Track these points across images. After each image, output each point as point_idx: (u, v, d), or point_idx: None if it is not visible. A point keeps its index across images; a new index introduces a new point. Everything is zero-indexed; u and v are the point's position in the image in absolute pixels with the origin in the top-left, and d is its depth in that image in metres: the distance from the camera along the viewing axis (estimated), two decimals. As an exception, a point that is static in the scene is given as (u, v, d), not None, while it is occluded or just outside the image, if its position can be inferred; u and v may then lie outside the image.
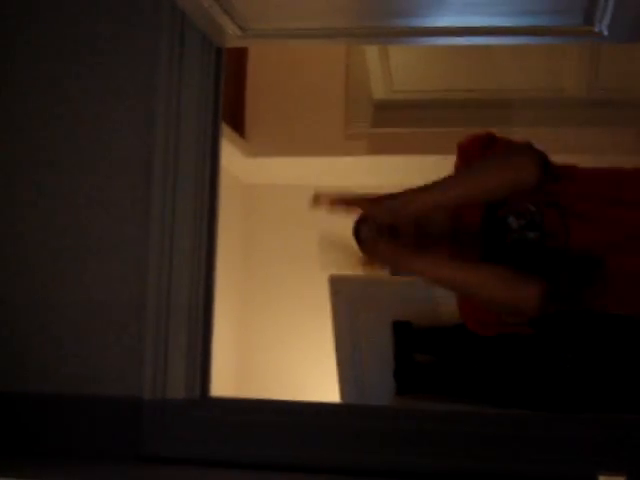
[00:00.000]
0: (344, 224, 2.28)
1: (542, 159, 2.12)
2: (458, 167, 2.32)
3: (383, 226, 2.20)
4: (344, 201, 2.18)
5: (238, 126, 3.85)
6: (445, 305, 3.65)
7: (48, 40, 2.44)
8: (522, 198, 2.21)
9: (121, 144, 2.38)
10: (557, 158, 2.21)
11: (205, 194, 2.34)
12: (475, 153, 2.28)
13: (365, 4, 2.07)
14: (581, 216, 2.18)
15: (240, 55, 3.90)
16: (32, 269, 2.38)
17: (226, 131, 3.39)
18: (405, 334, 3.63)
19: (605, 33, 2.04)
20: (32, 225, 2.39)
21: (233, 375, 4.58)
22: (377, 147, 4.22)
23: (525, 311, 2.13)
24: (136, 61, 2.39)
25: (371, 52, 4.20)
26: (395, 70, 4.29)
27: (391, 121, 4.33)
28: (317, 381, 4.39)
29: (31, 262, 2.39)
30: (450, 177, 2.21)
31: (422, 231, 2.21)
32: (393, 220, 2.18)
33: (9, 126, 2.44)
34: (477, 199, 2.23)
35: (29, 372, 2.36)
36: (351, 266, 2.27)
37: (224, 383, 4.15)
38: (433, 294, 3.62)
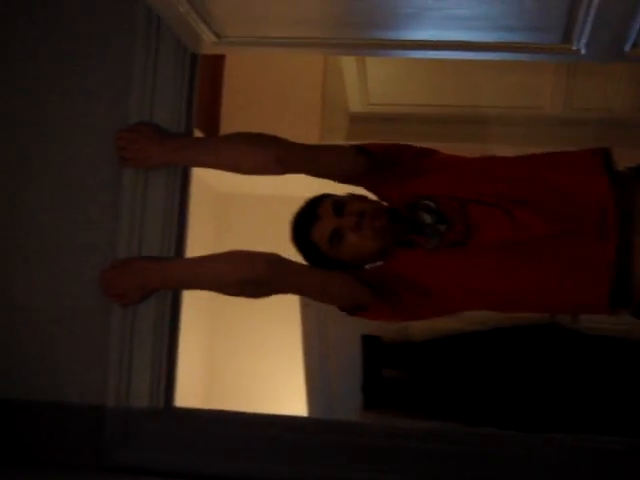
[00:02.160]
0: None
1: (284, 155, 2.26)
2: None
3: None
4: None
5: (213, 133, 3.83)
6: (415, 321, 3.64)
7: (22, 41, 2.41)
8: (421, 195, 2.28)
9: (93, 147, 2.36)
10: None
11: (175, 201, 2.32)
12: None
13: (342, 15, 2.06)
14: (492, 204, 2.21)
15: (216, 62, 3.89)
16: (-2, 273, 2.36)
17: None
18: (374, 348, 3.62)
19: (583, 51, 2.04)
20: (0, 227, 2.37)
21: (201, 386, 4.55)
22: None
23: (256, 282, 2.17)
24: (111, 64, 2.38)
25: (348, 64, 4.19)
26: (372, 83, 4.28)
27: (366, 134, 4.32)
28: (285, 393, 4.38)
29: (-2, 266, 2.36)
30: (202, 142, 2.47)
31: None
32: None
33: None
34: (220, 169, 2.37)
35: (-9, 378, 2.33)
36: None
37: (192, 394, 4.13)
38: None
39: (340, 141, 4.21)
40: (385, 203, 2.38)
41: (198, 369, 4.53)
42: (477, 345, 3.54)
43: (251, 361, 4.63)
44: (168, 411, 2.30)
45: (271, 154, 2.26)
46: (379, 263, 2.33)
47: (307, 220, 2.28)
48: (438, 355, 3.58)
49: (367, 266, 2.34)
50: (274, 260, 2.19)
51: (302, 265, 2.26)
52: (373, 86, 4.32)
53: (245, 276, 2.18)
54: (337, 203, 2.26)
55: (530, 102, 4.18)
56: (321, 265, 2.30)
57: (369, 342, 3.59)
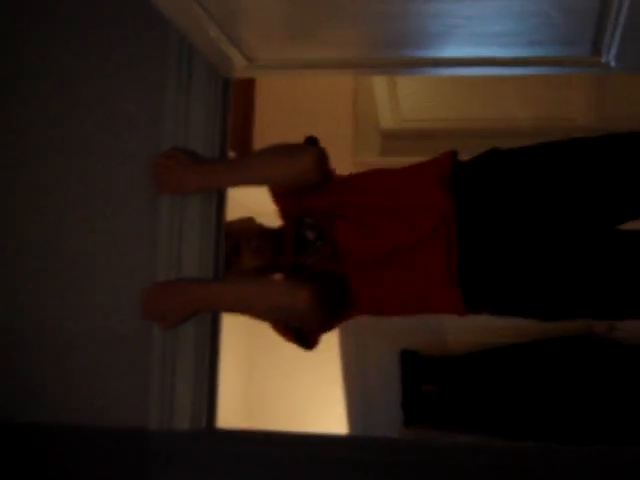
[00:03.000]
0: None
1: (322, 156, 2.34)
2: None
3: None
4: None
5: (245, 154, 3.85)
6: (453, 334, 3.63)
7: (53, 67, 2.45)
8: (309, 211, 2.44)
9: (128, 174, 2.38)
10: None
11: (212, 223, 2.33)
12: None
13: (373, 35, 2.07)
14: (355, 222, 2.36)
15: (248, 85, 3.91)
16: (39, 299, 2.38)
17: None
18: (413, 364, 3.61)
19: (612, 64, 2.03)
20: (39, 255, 2.39)
21: (241, 405, 4.56)
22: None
23: (301, 313, 2.23)
24: (143, 91, 2.40)
25: (379, 81, 4.21)
26: (403, 99, 4.29)
27: (399, 150, 4.33)
28: (325, 412, 4.37)
29: (38, 292, 2.38)
30: (235, 162, 2.50)
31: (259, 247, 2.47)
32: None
33: (14, 157, 2.44)
34: (258, 185, 2.49)
35: (35, 402, 2.35)
36: None
37: (231, 414, 4.13)
38: (441, 323, 3.61)
39: (373, 158, 4.22)
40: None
41: (238, 388, 4.54)
42: (516, 358, 3.53)
43: (290, 379, 4.62)
44: (210, 432, 2.30)
45: (310, 160, 2.30)
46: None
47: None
48: (477, 369, 3.57)
49: None
50: (316, 291, 2.23)
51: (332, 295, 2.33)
52: (404, 102, 4.33)
53: (286, 304, 2.23)
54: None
55: (561, 113, 4.17)
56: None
57: (407, 357, 3.58)
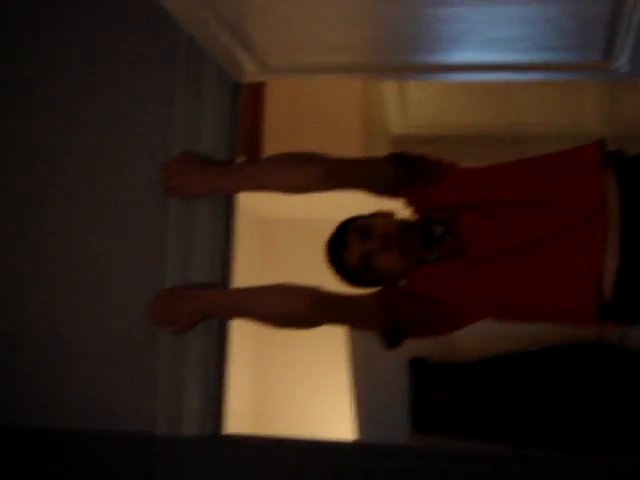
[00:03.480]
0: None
1: (331, 169, 2.29)
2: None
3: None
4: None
5: (255, 158, 3.85)
6: (462, 341, 3.62)
7: (64, 72, 2.45)
8: (435, 206, 2.33)
9: (137, 178, 2.38)
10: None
11: (221, 227, 2.33)
12: None
13: (383, 40, 2.07)
14: (481, 213, 2.25)
15: (257, 87, 3.91)
16: (47, 304, 2.38)
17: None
18: (422, 371, 3.60)
19: (624, 69, 2.03)
20: (48, 258, 2.39)
21: (249, 412, 4.55)
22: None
23: (297, 319, 2.21)
24: (153, 94, 2.40)
25: (388, 87, 4.20)
26: (412, 105, 4.29)
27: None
28: (333, 418, 4.36)
29: (46, 297, 2.38)
30: (246, 167, 2.47)
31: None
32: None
33: (23, 161, 2.45)
34: (267, 191, 2.37)
35: (42, 407, 2.35)
36: None
37: (240, 420, 4.13)
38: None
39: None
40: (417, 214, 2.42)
41: (246, 395, 4.54)
42: (525, 365, 3.51)
43: (299, 386, 4.62)
44: (218, 438, 2.30)
45: (318, 170, 2.28)
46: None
47: (337, 249, 2.35)
48: (486, 376, 3.56)
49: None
50: (314, 296, 2.21)
51: (339, 300, 2.27)
52: (413, 107, 4.32)
53: (285, 311, 2.20)
54: (363, 228, 2.32)
55: (573, 119, 4.16)
56: (360, 284, 2.38)
57: (417, 364, 3.57)
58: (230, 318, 2.36)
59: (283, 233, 4.66)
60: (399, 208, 2.42)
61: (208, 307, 2.27)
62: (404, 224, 2.36)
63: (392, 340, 2.29)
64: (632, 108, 4.06)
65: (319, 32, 2.04)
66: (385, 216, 2.39)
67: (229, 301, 2.30)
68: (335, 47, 2.11)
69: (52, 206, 2.42)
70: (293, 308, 2.19)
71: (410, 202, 2.42)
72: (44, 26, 2.47)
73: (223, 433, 2.33)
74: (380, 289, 2.31)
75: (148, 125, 2.39)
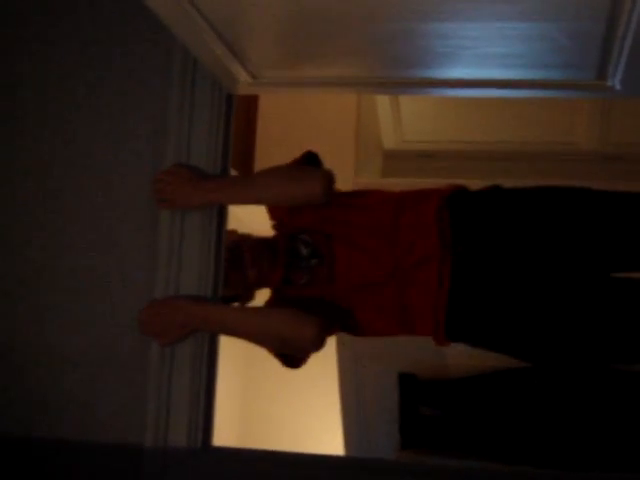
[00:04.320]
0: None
1: (330, 180, 2.32)
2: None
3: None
4: None
5: (247, 171, 3.85)
6: (452, 358, 3.62)
7: (57, 81, 2.45)
8: (305, 228, 2.44)
9: (129, 189, 2.38)
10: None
11: (212, 241, 2.33)
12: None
13: (377, 54, 2.07)
14: (353, 245, 2.37)
15: (250, 100, 3.91)
16: (36, 315, 2.37)
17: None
18: (411, 387, 3.59)
19: (618, 87, 2.03)
20: (37, 268, 2.38)
21: (236, 426, 4.54)
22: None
23: (304, 347, 2.24)
24: (147, 105, 2.40)
25: (382, 102, 4.21)
26: (406, 120, 4.30)
27: (401, 171, 4.34)
28: (322, 433, 4.35)
29: (35, 308, 2.38)
30: (240, 180, 2.49)
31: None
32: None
33: (16, 168, 2.44)
34: (261, 204, 2.49)
35: (31, 418, 2.34)
36: None
37: (228, 434, 4.11)
38: (439, 347, 3.59)
39: (375, 179, 4.22)
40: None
41: (235, 409, 4.53)
42: (514, 382, 3.51)
43: (286, 401, 4.61)
44: (206, 450, 2.29)
45: (319, 185, 2.29)
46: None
47: None
48: (475, 393, 3.55)
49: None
50: (322, 324, 2.21)
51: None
52: (407, 123, 4.33)
53: (295, 338, 2.21)
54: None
55: (564, 138, 4.18)
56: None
57: (405, 380, 3.57)
58: (222, 334, 2.35)
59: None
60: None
61: (201, 321, 2.26)
62: (257, 240, 2.50)
63: (289, 361, 2.38)
64: (622, 128, 4.07)
65: (312, 46, 2.04)
66: (229, 233, 2.48)
67: (224, 318, 2.29)
68: (330, 61, 2.12)
69: (42, 216, 2.41)
70: (301, 336, 2.19)
71: (280, 221, 2.54)
72: (41, 34, 2.47)
73: (211, 445, 2.32)
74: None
75: (141, 135, 2.39)
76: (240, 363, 4.47)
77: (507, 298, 2.27)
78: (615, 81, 2.02)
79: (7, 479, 2.29)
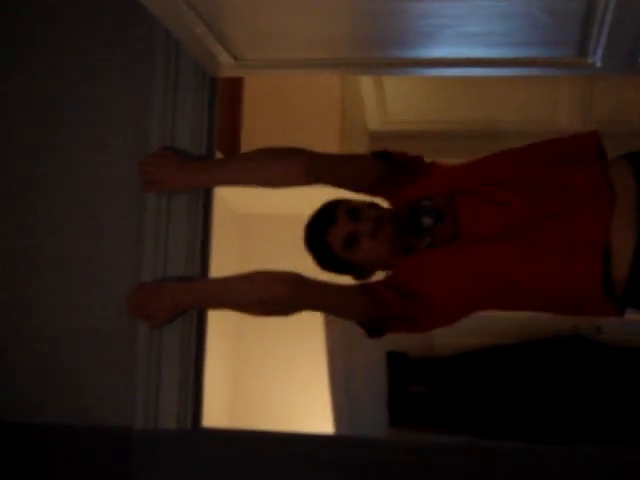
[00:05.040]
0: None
1: (312, 164, 2.29)
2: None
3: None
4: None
5: (233, 154, 3.85)
6: (440, 336, 3.64)
7: (41, 68, 2.45)
8: (425, 195, 2.29)
9: (114, 173, 2.38)
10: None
11: (198, 223, 2.33)
12: None
13: (359, 35, 2.08)
14: (479, 195, 2.21)
15: (235, 84, 3.91)
16: (24, 299, 2.38)
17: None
18: (399, 365, 3.61)
19: (599, 64, 2.04)
20: (24, 256, 2.39)
21: (226, 406, 4.55)
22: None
23: (277, 303, 2.17)
24: (130, 90, 2.40)
25: (366, 83, 4.21)
26: (390, 101, 4.30)
27: (386, 152, 4.34)
28: (311, 412, 4.37)
29: (23, 292, 2.38)
30: (225, 161, 2.50)
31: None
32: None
33: (2, 159, 2.44)
34: (246, 186, 2.43)
35: (19, 402, 2.34)
36: None
37: (217, 414, 4.13)
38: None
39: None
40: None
41: (223, 389, 4.53)
42: (502, 359, 3.53)
43: (276, 380, 4.62)
44: (196, 431, 2.30)
45: (300, 164, 2.29)
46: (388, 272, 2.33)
47: (323, 222, 2.31)
48: (463, 370, 3.57)
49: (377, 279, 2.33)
50: (293, 280, 2.18)
51: (321, 284, 2.22)
52: (391, 104, 4.33)
53: (264, 297, 2.18)
54: (353, 209, 2.28)
55: (548, 116, 4.19)
56: (332, 267, 2.34)
57: (394, 358, 3.58)
58: (211, 308, 2.36)
59: (260, 228, 4.65)
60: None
61: (188, 300, 2.27)
62: (395, 212, 2.35)
63: (373, 331, 2.26)
64: (604, 106, 4.08)
65: (295, 28, 2.04)
66: (373, 206, 2.35)
67: (208, 292, 2.30)
68: (312, 42, 2.12)
69: (27, 202, 2.41)
70: (273, 292, 2.16)
71: (394, 200, 2.41)
72: (18, 20, 2.47)
73: (201, 426, 2.34)
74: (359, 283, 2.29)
75: (125, 119, 2.39)
76: (230, 344, 4.48)
77: None
78: (596, 58, 2.03)
79: (-2, 463, 2.30)
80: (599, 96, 4.06)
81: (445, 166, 2.39)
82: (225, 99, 3.55)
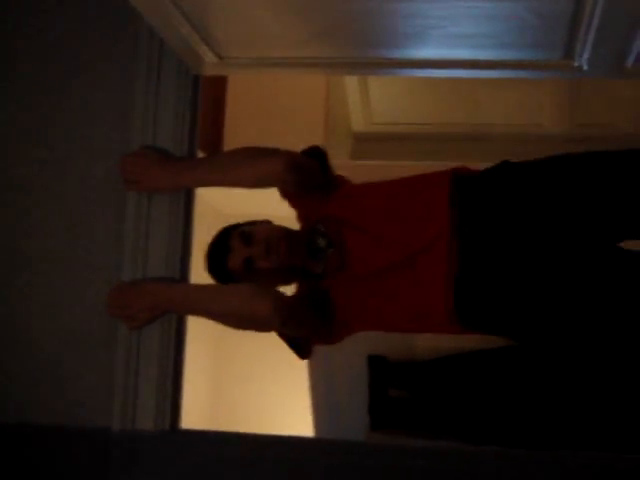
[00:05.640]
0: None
1: (293, 163, 2.32)
2: None
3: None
4: None
5: (215, 153, 3.83)
6: (421, 340, 3.63)
7: (26, 65, 2.43)
8: (321, 217, 2.42)
9: (96, 170, 2.36)
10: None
11: (180, 222, 2.32)
12: None
13: (344, 35, 2.06)
14: (362, 230, 2.34)
15: (218, 81, 3.89)
16: (4, 298, 2.36)
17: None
18: (380, 368, 3.60)
19: (585, 67, 2.04)
20: (3, 252, 2.37)
21: (206, 410, 4.54)
22: (356, 179, 4.21)
23: (262, 322, 2.23)
24: (113, 87, 2.39)
25: (351, 84, 4.20)
26: (375, 102, 4.30)
27: (370, 153, 4.34)
28: (291, 416, 4.36)
29: (2, 291, 2.36)
30: (206, 161, 2.47)
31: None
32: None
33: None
34: (228, 186, 2.45)
35: (-5, 401, 2.32)
36: None
37: (196, 417, 4.11)
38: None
39: (344, 160, 4.21)
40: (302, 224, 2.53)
41: (203, 392, 4.52)
42: (484, 363, 3.53)
43: (256, 384, 4.61)
44: (174, 433, 2.29)
45: (281, 162, 2.30)
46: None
47: (220, 253, 2.40)
48: (444, 374, 3.57)
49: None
50: (279, 300, 2.22)
51: (298, 300, 2.36)
52: (376, 105, 4.33)
53: (250, 312, 2.20)
54: (245, 234, 2.38)
55: (531, 119, 4.19)
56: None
57: (375, 362, 3.58)
58: (190, 314, 2.35)
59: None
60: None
61: (168, 303, 2.26)
62: (286, 231, 2.43)
63: (299, 350, 2.44)
64: (589, 109, 4.09)
65: (280, 26, 2.03)
66: (264, 223, 2.46)
67: (189, 296, 2.29)
68: (296, 41, 2.11)
69: (11, 201, 2.40)
70: (255, 310, 2.19)
71: (304, 210, 2.51)
72: (4, 19, 2.45)
73: (179, 428, 2.32)
74: None
75: (106, 116, 2.38)
76: (209, 346, 4.47)
77: (515, 276, 2.22)
78: (582, 61, 2.03)
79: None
80: (584, 99, 4.07)
81: (353, 187, 2.51)
82: (208, 98, 3.53)
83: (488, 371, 3.54)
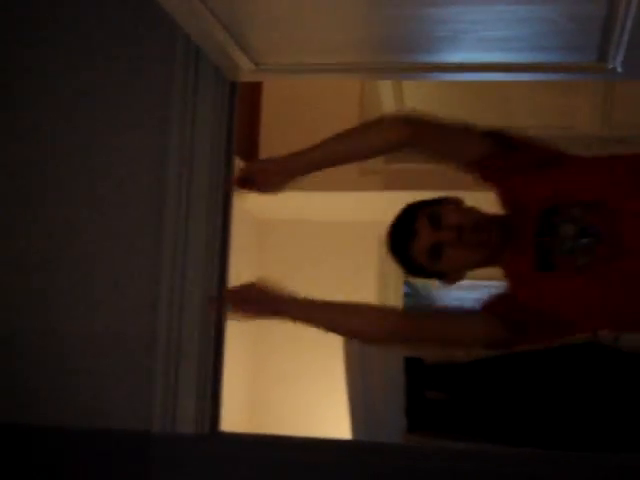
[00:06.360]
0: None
1: (409, 120, 2.13)
2: None
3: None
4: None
5: (252, 160, 3.85)
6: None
7: (59, 68, 2.46)
8: (565, 202, 2.06)
9: (134, 177, 2.38)
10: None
11: (217, 228, 2.33)
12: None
13: (378, 40, 2.08)
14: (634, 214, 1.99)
15: (254, 89, 3.91)
16: (42, 301, 2.38)
17: (239, 165, 3.38)
18: (416, 370, 3.60)
19: (619, 70, 2.03)
20: (44, 257, 2.39)
21: (244, 412, 4.56)
22: (391, 182, 4.22)
23: (378, 341, 2.19)
24: (150, 94, 2.40)
25: (385, 87, 4.21)
26: (409, 105, 4.29)
27: (405, 157, 4.32)
28: (329, 417, 4.37)
29: (41, 294, 2.38)
30: (327, 140, 2.29)
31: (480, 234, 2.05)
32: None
33: (22, 160, 2.44)
34: (352, 160, 2.34)
35: (38, 405, 2.35)
36: None
37: (235, 419, 4.13)
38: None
39: (379, 164, 4.21)
40: (500, 198, 2.21)
41: (242, 395, 4.54)
42: (520, 365, 3.52)
43: (294, 386, 4.62)
44: (214, 436, 2.30)
45: (406, 128, 2.11)
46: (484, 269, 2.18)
47: (404, 236, 2.10)
48: (481, 376, 3.56)
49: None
50: (398, 321, 2.15)
51: (431, 319, 2.19)
52: (410, 108, 4.33)
53: (368, 334, 2.16)
54: (433, 216, 2.08)
55: (566, 121, 4.17)
56: (420, 275, 2.24)
57: (411, 364, 3.58)
58: (311, 326, 2.21)
59: (279, 234, 4.66)
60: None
61: (293, 314, 2.16)
62: (490, 215, 2.14)
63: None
64: (624, 110, 4.07)
65: (315, 33, 2.05)
66: (452, 202, 2.16)
67: (316, 313, 2.18)
68: (332, 47, 2.12)
69: (49, 206, 2.42)
70: (374, 332, 2.13)
71: (502, 189, 2.21)
72: (42, 26, 2.48)
73: (219, 431, 2.34)
74: (485, 302, 2.12)
75: (144, 124, 2.39)
76: (248, 349, 4.49)
77: None
78: (616, 63, 2.02)
79: (16, 466, 2.30)
80: (618, 101, 4.05)
81: (582, 160, 2.19)
82: (244, 102, 3.56)
83: (525, 373, 3.53)
